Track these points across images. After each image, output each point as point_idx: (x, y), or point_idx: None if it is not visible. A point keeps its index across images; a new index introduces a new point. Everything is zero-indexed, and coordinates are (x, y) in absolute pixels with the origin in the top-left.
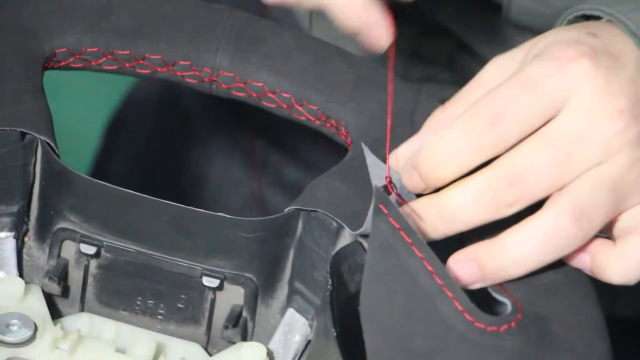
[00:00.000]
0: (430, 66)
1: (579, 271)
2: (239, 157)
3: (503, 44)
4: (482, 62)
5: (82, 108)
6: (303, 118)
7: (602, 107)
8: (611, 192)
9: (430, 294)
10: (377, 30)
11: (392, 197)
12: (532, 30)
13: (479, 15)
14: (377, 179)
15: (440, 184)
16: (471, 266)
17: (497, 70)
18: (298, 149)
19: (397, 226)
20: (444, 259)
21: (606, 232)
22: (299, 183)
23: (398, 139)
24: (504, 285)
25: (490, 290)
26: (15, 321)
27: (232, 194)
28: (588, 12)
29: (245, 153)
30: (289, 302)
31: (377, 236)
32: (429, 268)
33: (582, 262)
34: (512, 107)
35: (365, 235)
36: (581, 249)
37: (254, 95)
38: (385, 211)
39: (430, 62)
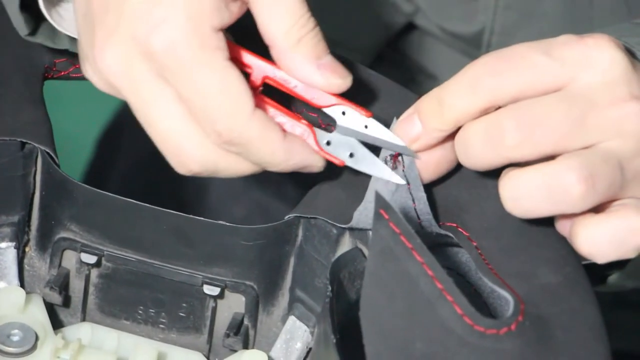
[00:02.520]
0: None
1: (579, 273)
2: None
3: None
4: None
5: (82, 118)
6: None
7: (621, 87)
8: (618, 170)
9: (430, 298)
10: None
11: (399, 173)
12: None
13: (462, 65)
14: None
15: (452, 117)
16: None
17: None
18: None
19: (398, 231)
20: (445, 265)
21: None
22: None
23: None
24: (506, 281)
25: (491, 284)
26: (16, 331)
27: (235, 204)
28: None
29: None
30: (290, 310)
31: (378, 241)
32: (430, 272)
33: (564, 226)
34: (520, 60)
35: (365, 242)
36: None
37: None
38: (386, 216)
39: None
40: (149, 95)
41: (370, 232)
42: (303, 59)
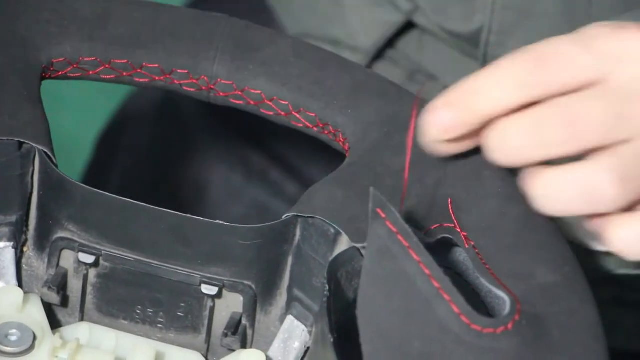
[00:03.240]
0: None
1: (578, 273)
2: (239, 166)
3: None
4: None
5: (80, 117)
6: (301, 125)
7: None
8: None
9: (427, 297)
10: None
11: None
12: None
13: (462, 64)
14: None
15: (481, 116)
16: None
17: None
18: (299, 156)
19: (395, 230)
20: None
21: None
22: (300, 191)
23: (396, 146)
24: (503, 281)
25: (488, 285)
26: (14, 331)
27: (233, 204)
28: None
29: (245, 162)
30: (288, 309)
31: (375, 240)
32: (426, 271)
33: (594, 222)
34: (561, 56)
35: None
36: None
37: (252, 103)
38: (383, 215)
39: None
40: None
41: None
42: None
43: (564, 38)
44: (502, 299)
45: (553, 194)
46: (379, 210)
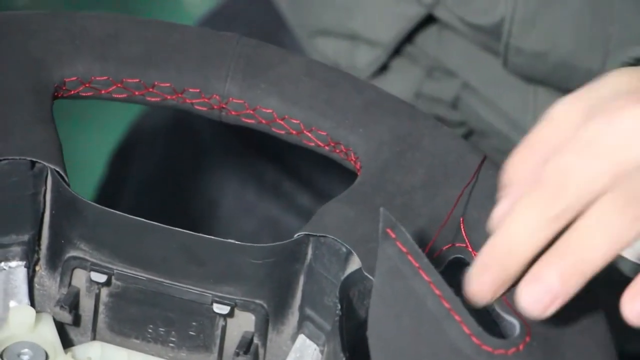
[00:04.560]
0: (435, 106)
1: (588, 293)
2: (251, 183)
3: (507, 87)
4: (486, 102)
5: (91, 136)
6: (312, 144)
7: None
8: None
9: (438, 317)
10: None
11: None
12: (534, 79)
13: (481, 60)
14: None
15: (518, 267)
16: (548, 282)
17: (565, 109)
18: (311, 172)
19: (405, 250)
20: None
21: None
22: (314, 206)
23: (408, 165)
24: (513, 305)
25: (499, 310)
26: (26, 350)
27: (246, 220)
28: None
29: (257, 178)
30: (299, 328)
31: (385, 260)
32: (437, 292)
33: None
34: (575, 174)
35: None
36: None
37: (264, 122)
38: (393, 235)
39: (434, 101)
40: None
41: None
42: None
43: (571, 151)
44: (511, 323)
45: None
46: (389, 230)
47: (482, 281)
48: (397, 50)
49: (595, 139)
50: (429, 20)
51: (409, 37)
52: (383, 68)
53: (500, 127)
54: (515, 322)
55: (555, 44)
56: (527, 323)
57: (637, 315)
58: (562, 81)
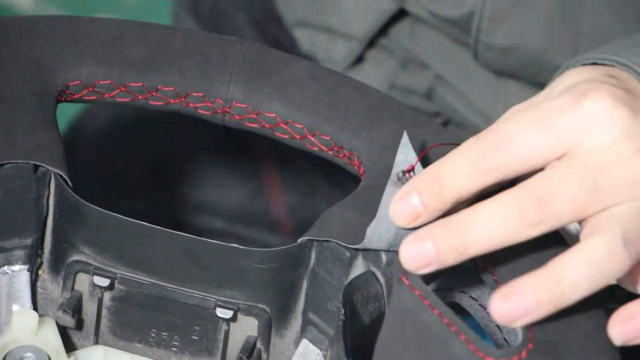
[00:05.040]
0: (410, 97)
1: (591, 298)
2: (256, 186)
3: (478, 80)
4: (458, 94)
5: None
6: (316, 148)
7: (625, 144)
8: None
9: (443, 338)
10: None
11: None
12: (504, 73)
13: (453, 53)
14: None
15: (442, 202)
16: (524, 300)
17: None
18: (316, 174)
19: (417, 292)
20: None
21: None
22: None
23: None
24: None
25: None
26: (29, 354)
27: (251, 224)
28: (599, 61)
29: (262, 182)
30: (302, 333)
31: (398, 302)
32: (445, 321)
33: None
34: (518, 137)
35: (377, 265)
36: None
37: (267, 126)
38: (407, 282)
39: (409, 92)
40: None
41: (382, 255)
42: None
43: (523, 117)
44: (515, 330)
45: (577, 281)
46: (403, 277)
47: (408, 202)
48: (372, 43)
49: (554, 114)
50: (402, 13)
51: (383, 30)
52: (359, 60)
53: (471, 118)
54: (518, 330)
55: (525, 40)
56: (530, 330)
57: (625, 338)
58: (533, 76)
